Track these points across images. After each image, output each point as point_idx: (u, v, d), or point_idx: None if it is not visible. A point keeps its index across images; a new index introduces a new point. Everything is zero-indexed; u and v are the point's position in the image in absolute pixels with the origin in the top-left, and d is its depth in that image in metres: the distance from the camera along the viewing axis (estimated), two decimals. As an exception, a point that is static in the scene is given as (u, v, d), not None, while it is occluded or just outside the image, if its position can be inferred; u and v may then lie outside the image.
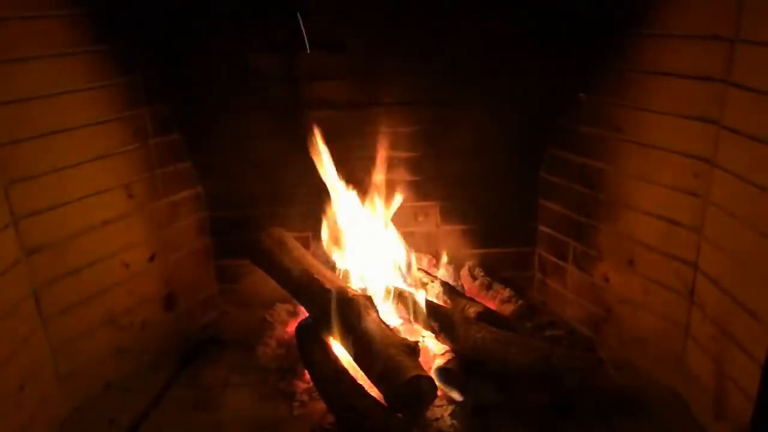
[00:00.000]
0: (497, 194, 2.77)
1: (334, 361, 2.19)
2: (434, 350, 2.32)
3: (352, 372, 2.14)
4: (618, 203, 2.37)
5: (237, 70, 2.49)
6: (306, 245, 2.65)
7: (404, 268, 2.57)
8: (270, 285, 2.56)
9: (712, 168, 1.95)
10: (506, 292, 2.73)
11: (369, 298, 2.24)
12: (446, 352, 2.25)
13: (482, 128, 2.59)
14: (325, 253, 2.65)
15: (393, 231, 2.63)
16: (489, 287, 2.77)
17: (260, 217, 2.71)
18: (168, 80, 2.45)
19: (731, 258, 1.87)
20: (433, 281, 2.61)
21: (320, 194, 2.57)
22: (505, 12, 2.40)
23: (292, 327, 2.51)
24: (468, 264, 2.88)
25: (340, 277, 2.52)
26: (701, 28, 1.91)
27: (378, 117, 2.55)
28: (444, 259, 2.75)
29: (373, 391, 2.03)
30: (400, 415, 1.95)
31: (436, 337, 2.30)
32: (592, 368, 2.12)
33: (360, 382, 2.08)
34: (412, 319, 2.39)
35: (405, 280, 2.54)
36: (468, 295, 2.64)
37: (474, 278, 2.82)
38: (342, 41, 2.46)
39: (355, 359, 2.13)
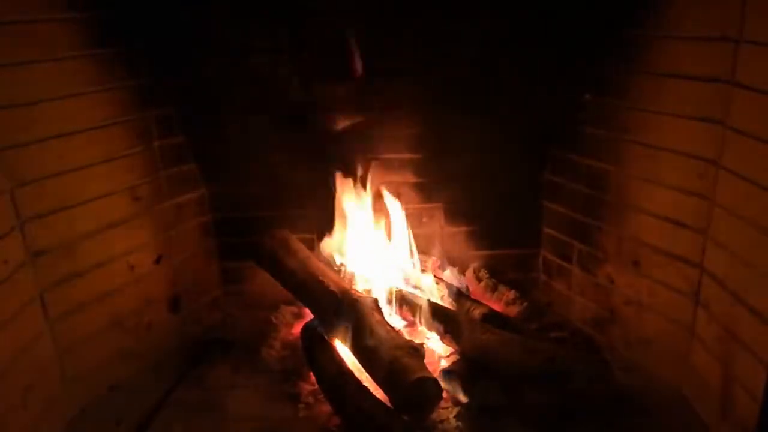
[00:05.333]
0: (502, 196, 2.77)
1: (339, 363, 2.19)
2: (439, 352, 2.32)
3: (357, 374, 2.14)
4: (623, 204, 2.36)
5: (241, 72, 2.50)
6: (310, 247, 2.66)
7: (409, 270, 2.58)
8: (275, 287, 2.57)
9: (717, 169, 1.94)
10: (511, 294, 2.73)
11: (374, 300, 2.24)
12: (451, 353, 2.26)
13: (486, 129, 2.58)
14: (329, 255, 2.65)
15: (398, 232, 2.63)
16: (494, 289, 2.77)
17: (265, 218, 2.72)
18: (173, 83, 2.46)
19: (737, 259, 1.86)
20: (438, 283, 2.61)
21: (324, 196, 2.58)
22: (508, 13, 2.40)
23: (297, 329, 2.51)
24: (473, 266, 2.88)
25: (345, 279, 2.52)
26: (706, 29, 1.91)
27: (382, 118, 2.56)
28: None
29: (379, 393, 2.03)
30: (405, 416, 1.95)
31: (441, 339, 2.30)
32: (598, 370, 2.11)
33: (365, 384, 2.08)
34: (416, 320, 2.40)
35: (410, 282, 2.54)
36: (473, 296, 2.64)
37: (479, 280, 2.82)
38: (344, 44, 2.47)
39: (360, 361, 2.13)
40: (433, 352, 2.32)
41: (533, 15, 2.41)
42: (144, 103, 2.37)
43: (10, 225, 1.88)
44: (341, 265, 2.61)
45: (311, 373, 2.27)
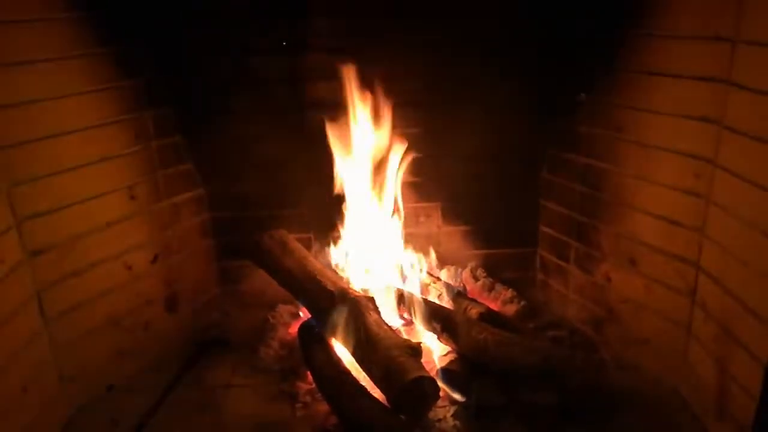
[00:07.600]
0: (499, 195, 2.77)
1: (337, 362, 2.19)
2: (437, 351, 2.32)
3: (354, 373, 2.14)
4: (619, 203, 2.37)
5: (239, 71, 2.50)
6: (308, 246, 2.66)
7: (406, 269, 2.58)
8: (272, 286, 2.57)
9: (713, 168, 1.95)
10: (508, 293, 2.73)
11: (371, 299, 2.24)
12: (449, 353, 2.26)
13: (483, 129, 2.59)
14: (326, 254, 2.65)
15: (395, 232, 2.63)
16: (491, 288, 2.77)
17: (262, 218, 2.72)
18: (170, 82, 2.46)
19: (733, 258, 1.86)
20: (435, 282, 2.61)
21: (322, 195, 2.58)
22: (507, 13, 2.40)
23: (294, 328, 2.51)
24: (470, 265, 2.88)
25: (342, 278, 2.52)
26: (702, 28, 1.91)
27: (379, 118, 2.56)
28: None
29: (376, 392, 2.03)
30: (402, 416, 1.95)
31: (439, 338, 2.30)
32: (595, 368, 2.12)
33: (362, 383, 2.09)
34: (414, 320, 2.40)
35: (407, 281, 2.54)
36: (470, 296, 2.64)
37: (476, 279, 2.82)
38: (342, 43, 2.47)
39: (358, 360, 2.13)
40: (430, 351, 2.31)
41: (532, 15, 2.41)
42: (142, 102, 2.37)
43: (7, 224, 1.88)
44: (338, 264, 2.62)
45: (309, 373, 2.27)
